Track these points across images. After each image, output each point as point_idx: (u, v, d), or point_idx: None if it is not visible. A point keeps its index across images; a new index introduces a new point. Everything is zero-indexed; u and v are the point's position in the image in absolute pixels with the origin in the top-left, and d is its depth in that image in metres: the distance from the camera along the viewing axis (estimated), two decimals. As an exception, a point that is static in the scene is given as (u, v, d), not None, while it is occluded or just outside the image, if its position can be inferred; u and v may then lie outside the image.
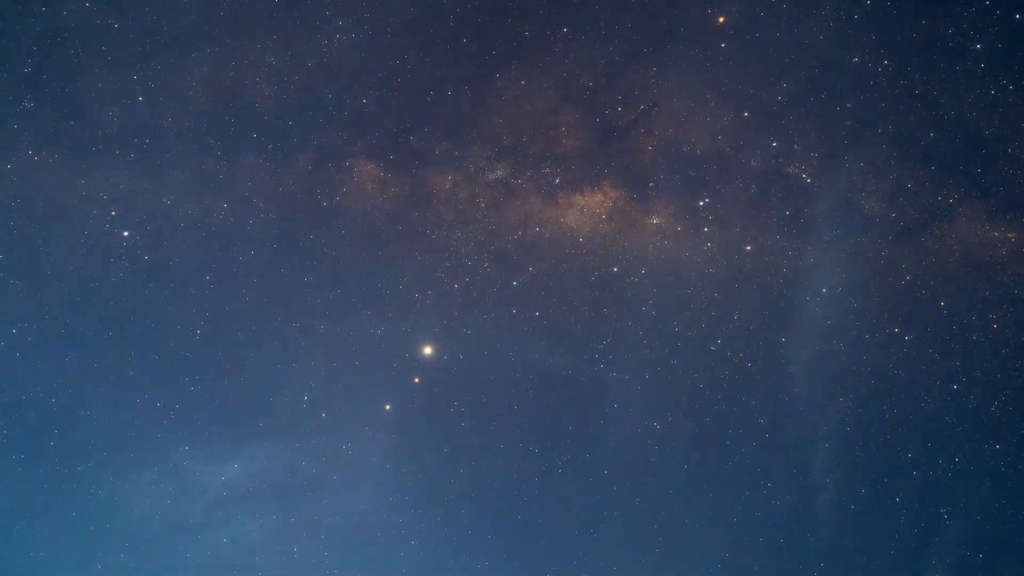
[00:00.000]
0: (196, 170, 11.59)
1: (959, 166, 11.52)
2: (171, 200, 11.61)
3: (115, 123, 11.25)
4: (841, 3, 11.09)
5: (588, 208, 12.16)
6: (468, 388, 12.46)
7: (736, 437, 12.47)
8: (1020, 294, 11.70)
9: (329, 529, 12.74)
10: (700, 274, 12.10)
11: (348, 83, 11.60)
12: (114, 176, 11.44)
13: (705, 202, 12.01)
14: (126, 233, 11.58)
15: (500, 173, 12.11)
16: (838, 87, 11.55)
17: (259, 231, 11.84)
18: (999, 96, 11.14)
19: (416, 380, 12.35)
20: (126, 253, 11.60)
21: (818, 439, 12.46)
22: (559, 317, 12.30)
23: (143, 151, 11.37)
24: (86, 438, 12.12)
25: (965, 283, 11.76)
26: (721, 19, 11.45)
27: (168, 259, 11.77)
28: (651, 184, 12.08)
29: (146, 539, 12.49)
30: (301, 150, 11.81)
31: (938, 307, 11.83)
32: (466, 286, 12.15)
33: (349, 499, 12.84)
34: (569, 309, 12.30)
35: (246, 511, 12.73)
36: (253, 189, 11.73)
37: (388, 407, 12.53)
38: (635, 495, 12.62)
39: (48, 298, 11.63)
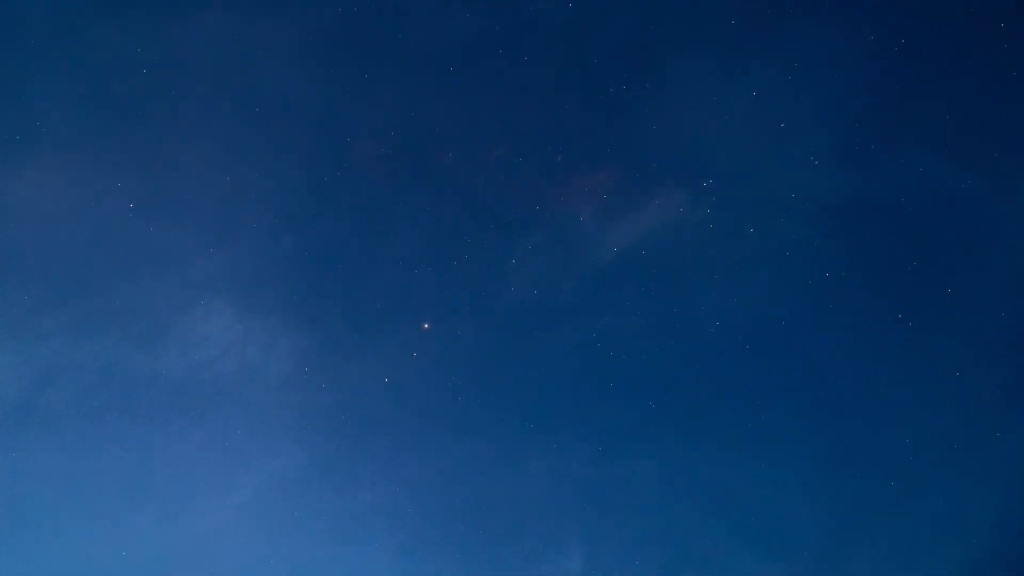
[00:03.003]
0: (198, 146, 11.73)
1: (975, 152, 11.26)
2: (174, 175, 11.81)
3: (119, 97, 11.39)
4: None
5: (589, 187, 12.06)
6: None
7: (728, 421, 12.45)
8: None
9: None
10: (702, 256, 11.98)
11: (348, 57, 11.60)
12: (119, 151, 11.64)
13: (708, 183, 11.84)
14: (132, 205, 11.81)
15: (501, 151, 12.05)
16: (849, 69, 11.28)
17: (258, 205, 12.00)
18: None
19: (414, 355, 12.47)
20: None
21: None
22: (557, 297, 12.31)
23: (146, 127, 11.55)
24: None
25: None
26: (730, -4, 11.25)
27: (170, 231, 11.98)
28: (654, 164, 11.94)
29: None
30: (301, 125, 11.87)
31: (945, 294, 11.65)
32: (464, 263, 12.17)
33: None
34: (567, 289, 12.29)
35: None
36: (253, 164, 11.84)
37: (386, 380, 12.69)
38: (631, 476, 12.70)
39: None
